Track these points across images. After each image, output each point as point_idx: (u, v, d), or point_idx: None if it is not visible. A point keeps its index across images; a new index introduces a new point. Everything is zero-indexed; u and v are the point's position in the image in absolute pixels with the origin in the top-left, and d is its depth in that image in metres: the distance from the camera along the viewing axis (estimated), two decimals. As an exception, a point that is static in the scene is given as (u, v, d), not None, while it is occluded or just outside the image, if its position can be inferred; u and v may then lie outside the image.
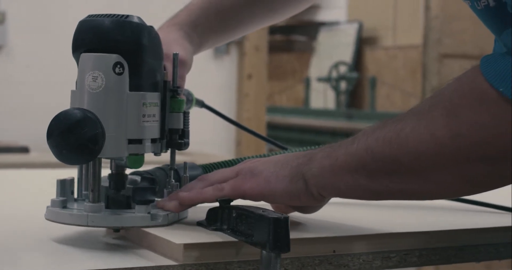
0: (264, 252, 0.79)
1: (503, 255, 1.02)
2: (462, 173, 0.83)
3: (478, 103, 0.80)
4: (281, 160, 0.93)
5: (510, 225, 1.04)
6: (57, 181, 0.94)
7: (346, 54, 7.24)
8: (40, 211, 0.94)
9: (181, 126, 0.98)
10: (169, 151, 0.99)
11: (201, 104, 1.19)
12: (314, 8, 7.94)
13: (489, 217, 1.12)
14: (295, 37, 8.10)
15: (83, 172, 0.96)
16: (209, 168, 1.09)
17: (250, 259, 0.85)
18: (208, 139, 3.85)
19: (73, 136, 0.84)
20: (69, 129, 0.84)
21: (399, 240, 0.95)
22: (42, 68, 3.38)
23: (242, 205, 0.87)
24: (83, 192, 0.96)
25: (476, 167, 0.82)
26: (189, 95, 1.15)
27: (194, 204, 0.94)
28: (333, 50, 7.45)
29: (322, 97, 7.21)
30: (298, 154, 0.93)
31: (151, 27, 0.94)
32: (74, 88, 0.91)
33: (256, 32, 3.95)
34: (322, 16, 8.03)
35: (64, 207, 0.92)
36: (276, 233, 0.78)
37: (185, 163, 1.01)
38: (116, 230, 0.95)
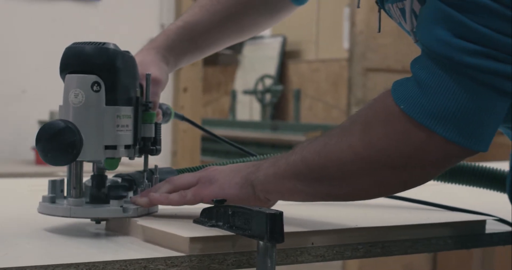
0: (261, 243, 0.93)
1: (450, 247, 1.19)
2: (374, 178, 1.01)
3: (386, 118, 0.97)
4: (234, 169, 1.11)
5: (456, 220, 1.21)
6: (49, 181, 1.11)
7: (271, 67, 7.43)
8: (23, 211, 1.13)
9: (153, 135, 1.15)
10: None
11: (181, 117, 1.33)
12: (239, 22, 8.11)
13: (434, 213, 1.28)
14: (220, 51, 8.24)
15: (71, 174, 1.10)
16: (182, 172, 1.26)
17: (244, 250, 0.99)
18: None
19: (55, 142, 1.02)
20: (52, 136, 1.02)
21: (366, 233, 1.10)
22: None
23: (236, 204, 1.01)
24: (70, 192, 1.10)
25: (384, 173, 0.99)
26: (167, 109, 1.30)
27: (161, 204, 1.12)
28: (257, 63, 7.63)
29: (248, 109, 7.38)
30: (249, 164, 1.11)
31: (127, 52, 1.10)
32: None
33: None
34: (247, 30, 8.20)
35: (53, 202, 1.09)
36: (273, 226, 0.92)
37: (155, 166, 1.17)
38: (98, 221, 1.11)
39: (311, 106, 6.98)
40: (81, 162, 1.08)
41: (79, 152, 1.03)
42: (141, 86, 1.13)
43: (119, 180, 1.16)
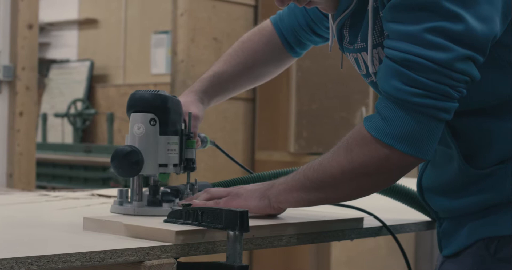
0: (231, 233, 1.26)
1: (341, 237, 1.56)
2: (356, 184, 1.40)
3: (362, 142, 1.37)
4: (254, 187, 1.50)
5: (342, 218, 1.59)
6: (118, 190, 1.54)
7: (79, 91, 7.62)
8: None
9: (194, 157, 1.59)
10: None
11: (213, 143, 1.78)
12: (45, 45, 8.23)
13: (334, 214, 1.64)
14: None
15: (134, 184, 1.52)
16: (215, 185, 1.66)
17: (211, 240, 1.32)
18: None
19: (125, 161, 1.46)
20: (123, 157, 1.46)
21: (287, 227, 1.45)
22: None
23: (202, 206, 1.34)
24: (133, 197, 1.52)
25: (363, 179, 1.39)
26: (204, 138, 1.75)
27: None
28: (65, 87, 7.78)
29: (60, 132, 7.51)
30: (265, 183, 1.50)
31: (174, 96, 1.53)
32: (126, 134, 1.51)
33: (25, 73, 4.27)
34: (53, 54, 8.32)
35: (121, 204, 1.52)
36: (242, 220, 1.25)
37: (195, 180, 1.59)
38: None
39: (120, 128, 7.24)
40: (142, 176, 1.51)
41: (141, 168, 1.47)
42: (184, 121, 1.54)
43: (168, 190, 1.54)
